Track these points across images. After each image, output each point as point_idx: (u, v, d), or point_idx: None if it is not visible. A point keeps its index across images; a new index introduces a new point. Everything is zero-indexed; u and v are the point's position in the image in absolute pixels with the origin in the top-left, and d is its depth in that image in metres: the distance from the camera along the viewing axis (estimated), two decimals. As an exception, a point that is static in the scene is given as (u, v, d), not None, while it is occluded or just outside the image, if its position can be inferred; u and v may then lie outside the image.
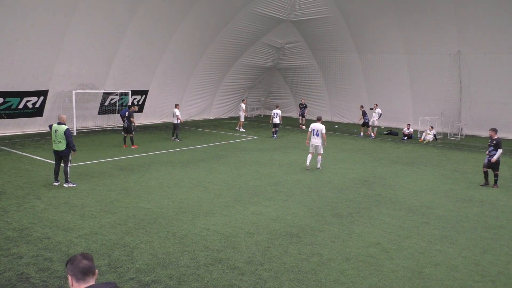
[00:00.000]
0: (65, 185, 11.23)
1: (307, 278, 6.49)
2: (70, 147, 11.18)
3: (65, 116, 11.46)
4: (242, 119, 25.08)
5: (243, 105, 25.24)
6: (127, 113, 17.76)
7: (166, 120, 27.32)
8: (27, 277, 6.18)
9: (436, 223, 9.36)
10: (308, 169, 14.37)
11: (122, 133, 21.27)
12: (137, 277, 6.31)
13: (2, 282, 5.99)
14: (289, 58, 32.35)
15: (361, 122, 24.59)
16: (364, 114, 24.19)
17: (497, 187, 13.05)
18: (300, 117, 28.60)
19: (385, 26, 26.63)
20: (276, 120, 22.42)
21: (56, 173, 11.41)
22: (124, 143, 17.89)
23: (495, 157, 12.86)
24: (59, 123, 11.16)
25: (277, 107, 23.53)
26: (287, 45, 31.12)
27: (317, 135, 14.35)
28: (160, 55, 24.53)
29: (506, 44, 23.49)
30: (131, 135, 17.70)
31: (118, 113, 22.98)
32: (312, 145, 14.52)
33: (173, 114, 20.04)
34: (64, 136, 11.02)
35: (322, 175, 13.72)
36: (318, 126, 14.39)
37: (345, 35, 28.40)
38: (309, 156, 14.59)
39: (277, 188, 11.95)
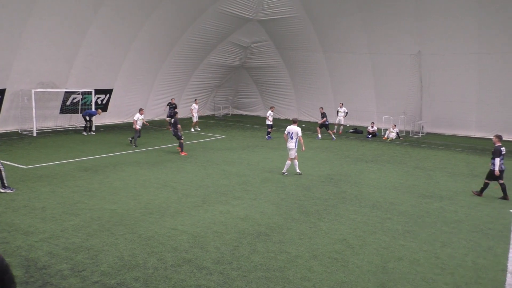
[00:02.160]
0: (1, 190, 10.42)
1: (275, 276, 6.55)
2: None
3: None
4: (196, 119, 24.66)
5: (195, 106, 24.81)
6: (173, 120, 16.95)
7: (131, 119, 26.75)
8: (-16, 284, 5.90)
9: (399, 219, 9.65)
10: (299, 174, 13.66)
11: (83, 133, 20.79)
12: (102, 280, 6.16)
13: (-44, 291, 5.69)
14: (256, 57, 32.48)
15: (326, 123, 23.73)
16: (323, 115, 23.33)
17: (508, 199, 11.69)
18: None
19: (349, 26, 27.22)
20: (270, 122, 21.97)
21: None
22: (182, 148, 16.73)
23: (496, 169, 11.45)
24: None
25: (271, 108, 23.15)
26: (254, 44, 31.22)
27: (291, 138, 13.38)
28: (125, 53, 24.00)
29: (464, 45, 24.55)
30: (181, 141, 16.74)
31: (80, 112, 22.34)
32: (288, 148, 13.56)
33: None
34: None
35: (289, 173, 13.85)
36: (293, 129, 13.44)
37: (311, 35, 28.81)
38: (288, 162, 13.73)
39: (245, 187, 11.97)
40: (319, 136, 23.31)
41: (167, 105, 25.22)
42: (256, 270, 6.72)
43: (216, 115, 34.15)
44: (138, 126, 17.93)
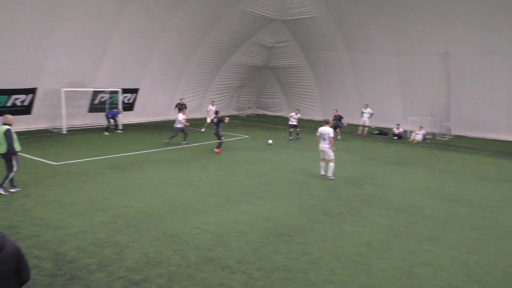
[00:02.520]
0: (11, 190, 10.31)
1: (298, 277, 6.54)
2: (8, 150, 10.08)
3: (11, 117, 10.45)
4: (209, 120, 22.72)
5: (212, 108, 23.76)
6: (216, 119, 17.38)
7: (157, 118, 27.23)
8: (16, 276, 6.12)
9: (424, 223, 9.47)
10: (329, 177, 13.27)
11: (112, 132, 21.21)
12: (127, 276, 6.29)
13: (-10, 281, 5.93)
14: (280, 57, 32.45)
15: (345, 124, 23.33)
16: (339, 118, 22.88)
17: None
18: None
19: (374, 26, 26.83)
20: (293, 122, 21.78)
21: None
22: (219, 147, 17.24)
23: None
24: (4, 124, 10.26)
25: (296, 110, 22.96)
26: (278, 45, 31.21)
27: (324, 139, 13.25)
28: (151, 53, 24.40)
29: (494, 44, 23.80)
30: (222, 139, 17.30)
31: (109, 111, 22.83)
32: (320, 150, 13.48)
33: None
34: (4, 137, 10.03)
35: (313, 174, 13.78)
36: (325, 130, 13.29)
37: (335, 35, 28.56)
38: (322, 164, 13.63)
39: (269, 187, 11.98)
40: (339, 137, 22.63)
41: (176, 106, 23.29)
42: (279, 270, 6.73)
43: (240, 115, 34.30)
44: (179, 125, 18.46)
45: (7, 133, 10.05)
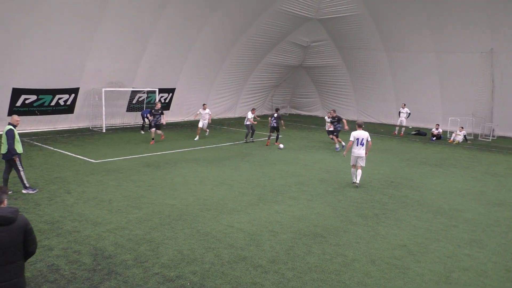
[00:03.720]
0: (23, 191, 10.22)
1: (331, 279, 6.45)
2: (8, 150, 9.89)
3: (17, 117, 10.31)
4: (200, 125, 20.27)
5: (202, 111, 20.41)
6: (275, 115, 19.20)
7: (192, 118, 27.66)
8: (57, 269, 6.38)
9: (465, 227, 9.11)
10: (357, 186, 12.09)
11: (147, 131, 21.63)
12: (162, 272, 6.42)
13: (33, 273, 6.21)
14: (315, 56, 32.13)
15: (331, 128, 19.26)
16: (338, 120, 18.96)
17: None
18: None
19: (413, 24, 26.03)
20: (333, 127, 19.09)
21: (5, 180, 10.23)
22: (276, 140, 19.47)
23: None
24: (9, 123, 10.11)
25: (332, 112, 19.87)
26: (313, 44, 30.91)
27: (362, 144, 11.98)
28: (187, 53, 24.81)
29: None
30: (278, 133, 19.49)
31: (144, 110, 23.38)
32: (354, 156, 12.14)
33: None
34: (5, 137, 9.85)
35: (348, 175, 13.56)
36: (363, 134, 12.01)
37: (373, 33, 27.95)
38: (353, 170, 12.39)
39: (302, 187, 11.90)
40: (337, 146, 18.64)
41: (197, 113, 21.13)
42: (311, 271, 6.66)
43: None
44: (248, 123, 19.64)
45: (8, 133, 9.86)
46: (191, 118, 24.24)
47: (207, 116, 20.50)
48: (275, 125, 19.04)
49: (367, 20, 27.18)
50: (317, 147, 19.20)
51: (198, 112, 21.07)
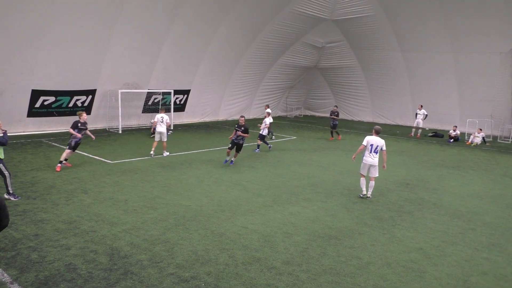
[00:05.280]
0: (5, 196, 9.71)
1: (346, 281, 6.40)
2: None
3: None
4: (160, 138, 15.75)
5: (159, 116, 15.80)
6: (331, 111, 21.18)
7: (207, 119, 27.81)
8: (74, 268, 6.48)
9: (483, 230, 8.94)
10: (368, 197, 11.03)
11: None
12: (177, 273, 6.46)
13: (51, 272, 6.32)
14: (330, 57, 31.97)
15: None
16: (336, 114, 21.81)
17: None
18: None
19: (430, 24, 25.69)
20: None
21: None
22: (332, 136, 21.73)
23: None
24: None
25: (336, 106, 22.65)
26: (328, 45, 30.77)
27: (376, 152, 10.76)
28: (202, 54, 24.94)
29: None
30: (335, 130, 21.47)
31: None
32: (365, 164, 10.91)
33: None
34: None
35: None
36: (378, 141, 10.78)
37: (389, 34, 27.67)
38: (363, 181, 11.08)
39: (316, 189, 11.84)
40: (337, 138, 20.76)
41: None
42: (326, 273, 6.62)
43: (288, 116, 34.22)
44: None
45: None
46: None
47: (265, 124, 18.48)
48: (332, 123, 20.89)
49: (383, 20, 26.93)
50: (332, 149, 19.10)
51: (154, 120, 16.21)
